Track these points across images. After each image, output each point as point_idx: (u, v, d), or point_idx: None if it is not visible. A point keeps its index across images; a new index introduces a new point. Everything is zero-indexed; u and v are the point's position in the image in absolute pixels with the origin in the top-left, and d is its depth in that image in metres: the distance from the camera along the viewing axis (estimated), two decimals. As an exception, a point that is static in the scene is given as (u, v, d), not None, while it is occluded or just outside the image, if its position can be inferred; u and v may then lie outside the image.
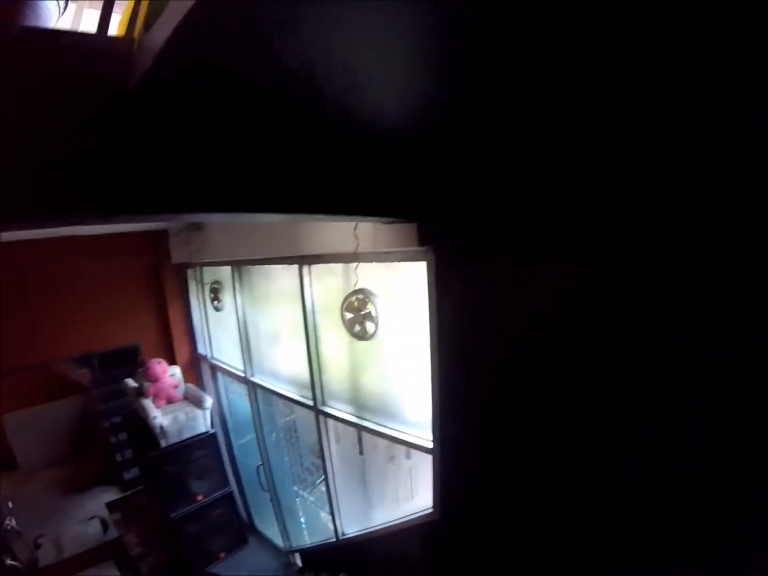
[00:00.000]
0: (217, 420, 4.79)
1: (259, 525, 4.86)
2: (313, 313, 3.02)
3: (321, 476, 3.39)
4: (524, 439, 1.86)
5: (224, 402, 4.81)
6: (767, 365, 1.11)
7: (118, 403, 4.90)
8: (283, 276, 3.33)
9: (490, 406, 1.94)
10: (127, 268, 4.60)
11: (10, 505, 4.67)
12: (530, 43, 1.06)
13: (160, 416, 3.95)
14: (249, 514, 4.94)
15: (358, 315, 2.51)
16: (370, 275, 2.52)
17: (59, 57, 0.99)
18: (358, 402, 2.89)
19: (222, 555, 4.29)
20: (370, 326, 2.49)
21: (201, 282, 4.60)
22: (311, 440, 3.46)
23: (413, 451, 2.55)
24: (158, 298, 4.79)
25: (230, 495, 4.31)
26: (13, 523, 4.40)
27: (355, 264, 2.49)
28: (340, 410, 3.00)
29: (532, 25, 0.99)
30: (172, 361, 4.71)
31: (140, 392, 4.32)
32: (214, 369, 4.72)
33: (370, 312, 2.47)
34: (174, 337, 4.86)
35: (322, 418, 3.12)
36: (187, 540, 4.07)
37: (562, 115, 1.32)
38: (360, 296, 2.50)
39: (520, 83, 1.23)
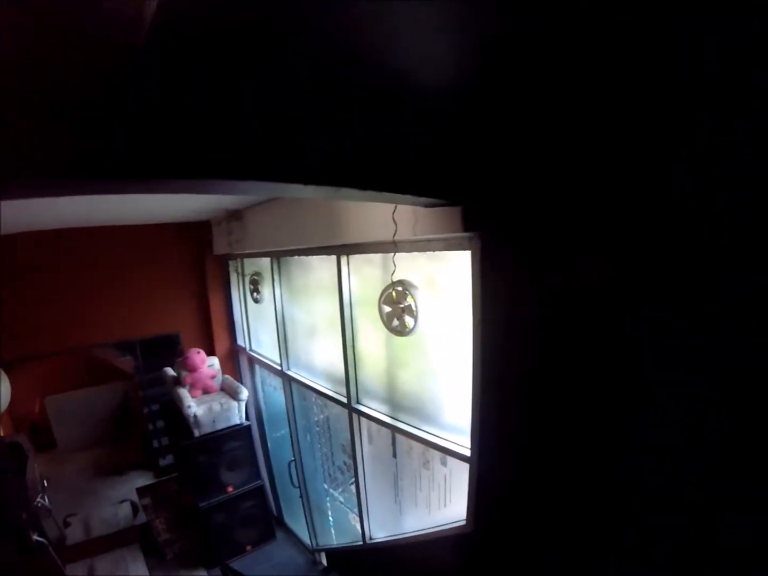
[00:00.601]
0: (252, 413, 4.78)
1: (288, 521, 4.80)
2: (351, 305, 2.91)
3: (352, 477, 3.26)
4: (554, 448, 1.68)
5: (260, 395, 4.79)
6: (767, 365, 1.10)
7: (157, 391, 5.01)
8: (322, 267, 3.24)
9: (533, 413, 1.74)
10: (170, 259, 4.68)
11: (45, 483, 4.85)
12: (538, 42, 1.09)
13: (194, 405, 3.96)
14: (279, 508, 4.90)
15: (396, 308, 2.37)
16: (410, 266, 2.37)
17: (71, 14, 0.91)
18: (393, 401, 2.74)
19: (249, 548, 4.26)
20: (409, 320, 2.33)
21: (242, 273, 4.60)
22: (344, 439, 3.33)
23: (449, 458, 2.36)
24: (200, 288, 4.85)
25: (261, 488, 4.27)
26: (46, 501, 4.56)
27: (393, 254, 2.35)
28: (375, 409, 2.86)
29: (535, 24, 1.01)
30: (210, 352, 4.75)
31: (178, 381, 4.36)
32: (252, 361, 4.71)
33: (409, 305, 2.32)
34: (214, 328, 4.90)
35: (355, 416, 2.99)
36: (214, 530, 4.06)
37: (564, 114, 1.39)
38: (399, 288, 2.35)
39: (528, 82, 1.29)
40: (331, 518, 4.04)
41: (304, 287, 3.62)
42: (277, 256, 3.74)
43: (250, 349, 4.75)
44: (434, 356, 2.41)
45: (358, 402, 2.99)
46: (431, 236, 2.05)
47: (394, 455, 2.83)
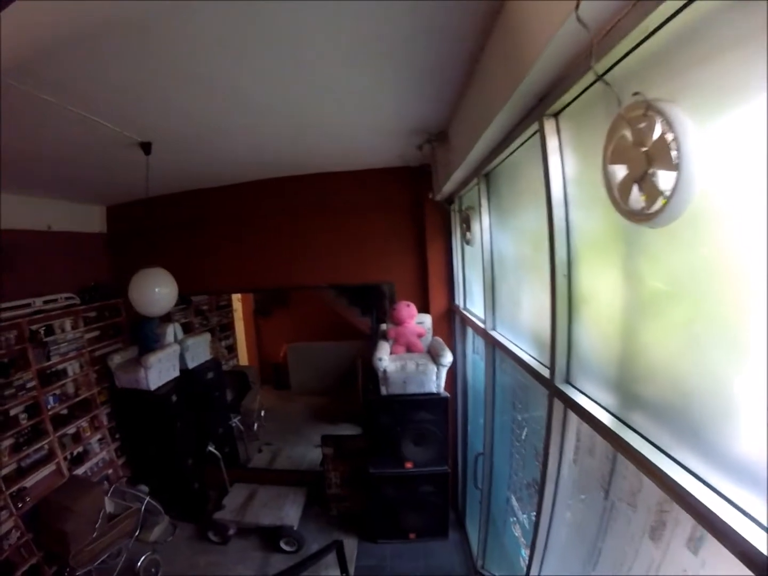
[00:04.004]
0: (459, 387, 3.90)
1: (470, 525, 3.89)
2: (564, 204, 1.63)
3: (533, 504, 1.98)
4: None
5: (468, 366, 3.85)
6: None
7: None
8: (531, 163, 2.04)
9: None
10: (388, 205, 4.27)
11: (263, 413, 5.32)
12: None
13: (386, 359, 3.37)
14: (464, 506, 4.02)
15: (636, 160, 1.03)
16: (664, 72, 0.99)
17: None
18: (626, 388, 1.36)
19: (412, 536, 3.70)
20: (664, 180, 0.96)
21: (459, 212, 3.73)
22: (539, 439, 2.08)
23: (712, 544, 0.88)
24: (418, 238, 4.25)
25: (445, 476, 3.43)
26: (255, 427, 4.94)
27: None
28: (593, 399, 1.53)
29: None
30: (424, 309, 4.10)
31: (384, 334, 3.89)
32: (465, 323, 3.80)
33: (663, 146, 0.95)
34: (430, 282, 4.23)
35: (557, 404, 1.71)
36: (378, 503, 3.62)
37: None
38: (638, 114, 1.01)
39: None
40: (504, 540, 2.87)
41: (513, 206, 2.46)
42: (485, 171, 2.68)
43: (464, 308, 3.84)
44: (723, 284, 0.96)
45: (567, 380, 1.70)
46: None
47: (606, 494, 1.44)
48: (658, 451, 1.15)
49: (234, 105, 2.32)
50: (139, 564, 3.58)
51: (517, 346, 2.31)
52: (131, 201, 4.49)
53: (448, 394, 3.44)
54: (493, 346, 2.77)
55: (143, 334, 4.40)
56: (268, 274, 4.49)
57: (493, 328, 2.82)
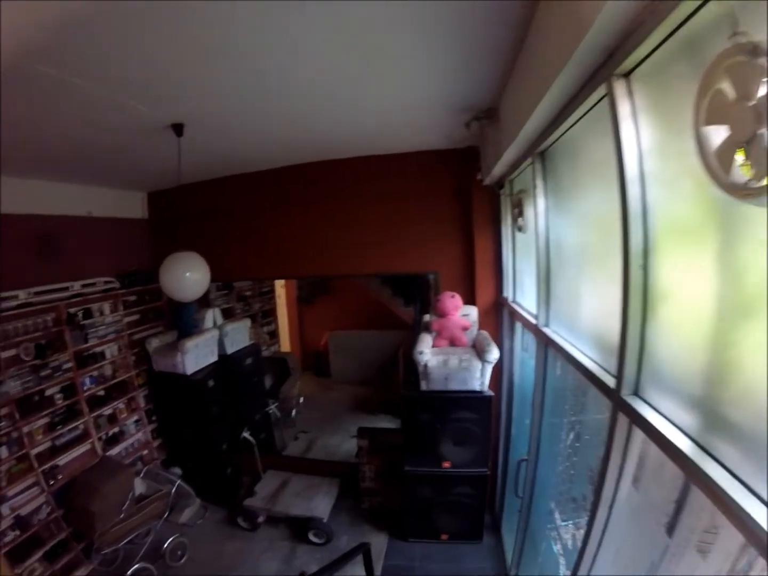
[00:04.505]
0: (504, 385, 3.65)
1: (506, 531, 3.68)
2: (640, 181, 1.35)
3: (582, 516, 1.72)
4: None
5: (515, 364, 3.57)
6: None
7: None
8: (593, 137, 1.76)
9: None
10: (434, 189, 4.04)
11: (301, 400, 5.25)
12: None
13: (427, 353, 3.18)
14: (501, 510, 3.82)
15: (741, 119, 0.77)
16: None
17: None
18: (711, 407, 1.09)
19: (444, 537, 3.58)
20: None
21: (510, 196, 3.44)
22: (594, 454, 1.82)
23: None
24: (465, 225, 3.99)
25: (484, 479, 3.27)
26: (293, 414, 4.86)
27: None
28: (666, 417, 1.26)
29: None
30: (470, 301, 3.86)
31: (427, 326, 3.70)
32: (514, 317, 3.53)
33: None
34: (477, 272, 3.96)
35: (622, 418, 1.46)
36: (411, 501, 3.52)
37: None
38: (739, 58, 0.75)
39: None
40: (540, 556, 2.62)
41: (573, 187, 2.16)
42: (540, 149, 2.39)
43: (513, 301, 3.56)
44: None
45: (635, 392, 1.43)
46: None
47: (669, 530, 1.19)
48: (747, 491, 0.91)
49: (272, 84, 2.18)
50: (165, 545, 3.63)
51: (575, 346, 2.04)
52: (172, 187, 4.51)
53: (492, 393, 3.20)
54: (546, 344, 2.51)
55: (182, 319, 4.45)
56: (312, 262, 4.40)
57: (546, 325, 2.54)
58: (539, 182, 2.50)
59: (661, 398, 1.31)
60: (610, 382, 1.55)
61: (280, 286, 7.46)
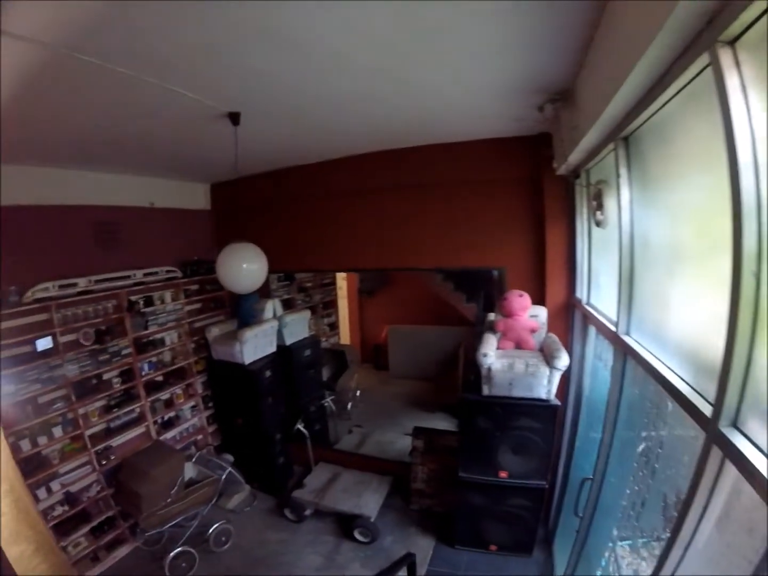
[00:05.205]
0: (571, 394, 3.35)
1: (558, 547, 3.44)
2: (755, 170, 1.10)
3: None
4: None
5: (586, 371, 3.26)
6: None
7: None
8: (690, 117, 1.49)
9: None
10: (501, 179, 3.80)
11: (358, 393, 5.17)
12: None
13: (492, 356, 2.99)
14: (555, 525, 3.59)
15: None
16: None
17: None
18: None
19: (493, 548, 3.44)
20: None
21: (587, 187, 3.12)
22: (672, 485, 1.56)
23: None
24: (535, 217, 3.71)
25: (541, 492, 3.09)
26: (349, 407, 4.78)
27: None
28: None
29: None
30: (540, 301, 3.60)
31: (491, 326, 3.50)
32: (587, 321, 3.22)
33: None
34: (548, 270, 3.68)
35: (715, 452, 1.22)
36: (464, 508, 3.39)
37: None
38: None
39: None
40: None
41: (665, 176, 1.87)
42: (624, 133, 2.11)
43: (587, 302, 3.25)
44: None
45: (735, 423, 1.19)
46: None
47: None
48: None
49: (331, 70, 2.09)
50: (211, 530, 3.69)
51: (661, 361, 1.78)
52: (234, 179, 4.60)
53: (558, 402, 2.95)
54: (625, 354, 2.23)
55: (242, 309, 4.57)
56: (373, 255, 4.34)
57: (627, 333, 2.26)
58: (623, 171, 2.21)
59: (762, 432, 1.08)
60: (706, 409, 1.30)
61: (341, 278, 7.51)
